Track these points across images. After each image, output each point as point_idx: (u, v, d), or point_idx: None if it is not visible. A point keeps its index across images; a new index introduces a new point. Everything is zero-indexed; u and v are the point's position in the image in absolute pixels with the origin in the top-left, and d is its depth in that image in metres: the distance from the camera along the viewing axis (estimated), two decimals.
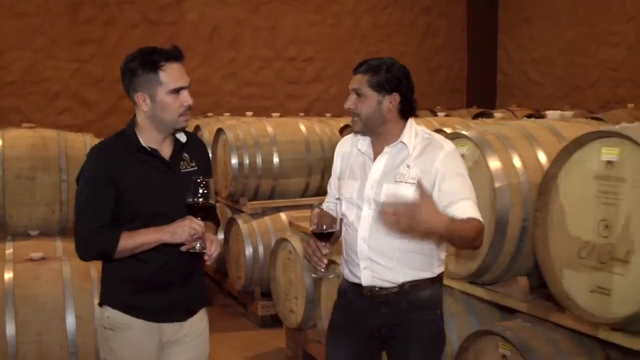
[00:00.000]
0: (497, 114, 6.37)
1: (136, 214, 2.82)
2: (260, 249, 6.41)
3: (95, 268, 4.40)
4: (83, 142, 5.52)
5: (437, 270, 2.95)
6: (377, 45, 11.66)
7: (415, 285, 2.90)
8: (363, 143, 2.99)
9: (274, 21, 11.13)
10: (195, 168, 2.95)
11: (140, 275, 2.87)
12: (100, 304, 2.98)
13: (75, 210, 2.87)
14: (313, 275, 3.07)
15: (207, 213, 2.80)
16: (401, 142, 2.88)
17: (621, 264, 2.62)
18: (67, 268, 4.32)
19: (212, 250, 2.82)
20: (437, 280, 2.97)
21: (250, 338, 6.07)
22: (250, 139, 6.67)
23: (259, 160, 6.64)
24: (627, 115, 7.76)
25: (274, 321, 6.19)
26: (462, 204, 2.72)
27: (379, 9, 11.86)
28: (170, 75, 2.77)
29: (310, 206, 6.84)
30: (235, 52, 10.82)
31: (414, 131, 2.91)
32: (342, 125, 7.70)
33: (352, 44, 11.56)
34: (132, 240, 2.77)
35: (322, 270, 2.90)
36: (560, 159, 2.87)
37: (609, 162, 2.68)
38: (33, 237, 5.11)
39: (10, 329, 4.02)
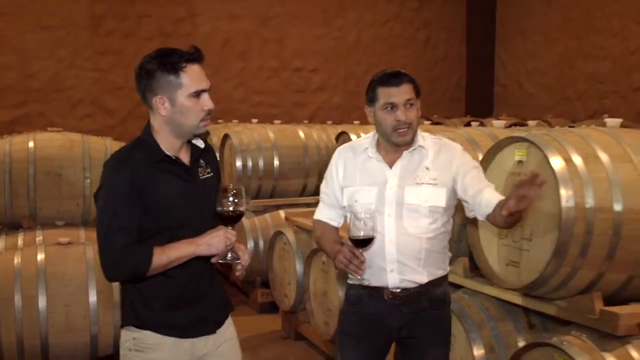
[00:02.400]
0: (474, 123, 7.01)
1: (161, 227, 2.61)
2: (261, 243, 7.06)
3: None
4: (104, 145, 6.23)
5: (447, 267, 3.15)
6: (379, 57, 12.30)
7: (434, 282, 3.04)
8: (372, 150, 3.06)
9: (282, 34, 11.78)
10: (211, 174, 2.80)
11: (169, 292, 2.67)
12: (123, 325, 2.75)
13: (98, 229, 2.58)
14: (349, 280, 3.11)
15: (237, 222, 2.69)
16: (420, 146, 3.02)
17: (527, 241, 3.30)
18: (91, 251, 5.00)
19: (246, 259, 2.72)
20: (447, 276, 3.17)
21: (250, 322, 6.72)
22: (253, 143, 7.38)
23: (261, 163, 7.33)
24: (599, 125, 8.38)
25: (272, 308, 6.84)
26: (489, 189, 2.87)
27: (381, 23, 12.50)
28: (191, 77, 2.58)
29: (307, 206, 7.56)
30: (244, 62, 11.49)
31: (422, 136, 3.06)
32: (339, 131, 8.39)
33: (355, 56, 12.21)
34: (166, 256, 2.55)
35: (358, 277, 2.91)
36: (486, 159, 3.54)
37: (520, 161, 3.37)
38: (59, 226, 5.85)
39: (42, 301, 4.67)
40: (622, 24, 10.47)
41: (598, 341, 3.07)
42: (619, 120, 3.84)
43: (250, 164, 7.25)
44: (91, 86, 10.62)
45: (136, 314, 2.69)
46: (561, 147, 3.18)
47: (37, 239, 5.51)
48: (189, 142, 2.75)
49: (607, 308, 3.10)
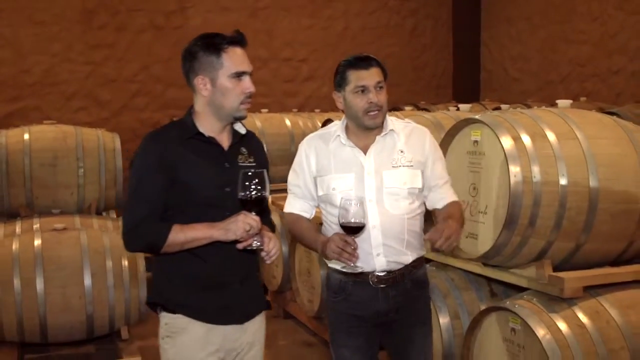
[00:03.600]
0: (452, 107, 7.25)
1: (188, 205, 2.64)
2: None
3: (108, 236, 5.39)
4: (96, 136, 6.52)
5: (424, 248, 3.22)
6: (367, 46, 12.41)
7: (416, 264, 3.11)
8: (343, 136, 3.06)
9: (271, 25, 11.95)
10: (254, 164, 2.77)
11: (196, 273, 2.68)
12: (154, 307, 2.79)
13: (126, 199, 2.71)
14: (340, 268, 3.07)
15: (262, 207, 2.61)
16: (391, 130, 3.05)
17: (483, 215, 3.58)
18: (84, 236, 5.29)
19: (271, 247, 2.64)
20: (424, 257, 3.24)
21: None
22: None
23: None
24: (576, 107, 8.66)
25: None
26: (444, 187, 3.06)
27: (368, 13, 12.68)
28: (233, 58, 2.65)
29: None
30: None
31: (390, 120, 3.09)
32: (325, 119, 8.67)
33: (343, 45, 12.37)
34: (183, 234, 2.58)
35: (352, 264, 2.90)
36: (446, 140, 3.83)
37: (475, 141, 3.64)
38: (55, 214, 6.13)
39: (40, 283, 4.97)
40: (601, 8, 10.68)
41: (547, 304, 3.37)
42: (569, 102, 4.11)
43: None
44: (85, 79, 10.80)
45: (162, 294, 2.73)
46: (511, 127, 3.46)
47: (35, 226, 5.79)
48: (232, 127, 2.78)
49: (555, 273, 3.40)
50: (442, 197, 3.07)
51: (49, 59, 10.61)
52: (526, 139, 3.41)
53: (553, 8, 11.60)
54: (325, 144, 3.09)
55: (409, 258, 3.06)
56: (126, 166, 7.60)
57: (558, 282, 3.34)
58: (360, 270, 3.00)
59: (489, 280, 3.99)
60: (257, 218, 2.56)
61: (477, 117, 3.61)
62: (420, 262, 3.16)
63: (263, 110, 8.77)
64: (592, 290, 3.45)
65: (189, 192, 2.63)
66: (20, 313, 4.93)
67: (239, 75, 2.65)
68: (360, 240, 2.91)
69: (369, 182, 3.00)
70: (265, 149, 3.03)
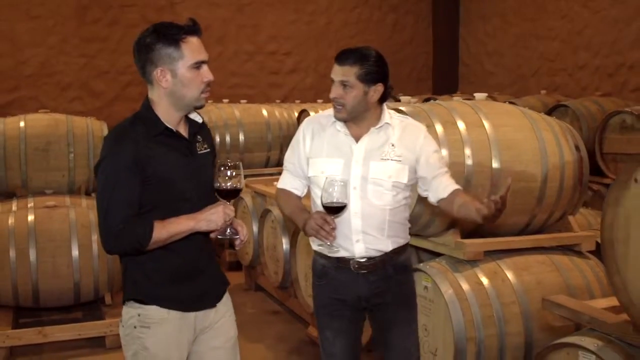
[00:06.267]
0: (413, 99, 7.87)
1: (161, 201, 2.60)
2: None
3: (94, 213, 6.01)
4: (86, 124, 7.11)
5: (408, 237, 3.32)
6: (348, 41, 13.05)
7: (397, 251, 3.20)
8: (340, 123, 3.12)
9: (257, 20, 12.57)
10: (208, 150, 2.81)
11: (172, 266, 2.67)
12: (124, 301, 2.73)
13: (99, 202, 2.57)
14: (317, 247, 3.19)
15: (236, 197, 2.69)
16: (386, 123, 3.11)
17: None
18: (73, 212, 5.90)
19: (245, 234, 2.75)
20: (408, 244, 3.34)
21: None
22: (220, 121, 8.29)
23: (227, 138, 8.26)
24: (537, 100, 9.29)
25: (238, 266, 7.79)
26: (445, 177, 3.11)
27: (350, 8, 13.30)
28: (191, 48, 2.59)
29: (271, 175, 8.50)
30: (222, 47, 12.25)
31: (389, 114, 3.17)
32: (301, 109, 9.32)
33: (326, 39, 13.02)
34: (166, 231, 2.55)
35: (328, 243, 2.98)
36: None
37: None
38: (48, 194, 6.75)
39: (32, 254, 5.56)
40: (568, 6, 11.26)
41: (454, 265, 4.00)
42: (484, 95, 4.70)
43: (217, 139, 8.17)
44: (79, 71, 11.41)
45: (139, 288, 2.68)
46: (427, 116, 4.09)
47: (29, 205, 6.40)
48: (187, 116, 2.75)
49: (460, 240, 4.03)
50: (445, 185, 3.12)
51: (46, 52, 11.21)
52: (438, 127, 4.04)
53: (525, 6, 12.21)
54: (323, 128, 3.18)
55: (388, 247, 3.16)
56: None
57: (462, 246, 3.97)
58: (336, 250, 3.10)
59: (416, 249, 4.61)
60: (233, 208, 2.66)
61: (401, 107, 4.23)
62: (402, 249, 3.25)
63: (242, 101, 9.40)
64: (495, 255, 4.07)
65: (162, 187, 2.61)
66: (15, 279, 5.54)
67: (198, 65, 2.63)
68: (341, 224, 3.02)
69: (356, 170, 3.07)
70: (211, 132, 3.05)
